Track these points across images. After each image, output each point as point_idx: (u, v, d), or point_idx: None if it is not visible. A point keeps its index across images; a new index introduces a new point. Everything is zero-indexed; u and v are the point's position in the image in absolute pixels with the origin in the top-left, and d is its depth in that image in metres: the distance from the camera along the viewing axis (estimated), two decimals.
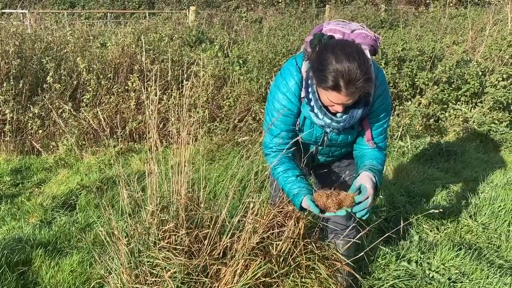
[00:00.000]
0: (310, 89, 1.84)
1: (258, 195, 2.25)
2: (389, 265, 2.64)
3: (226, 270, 2.07)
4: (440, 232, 3.07)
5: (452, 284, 2.49)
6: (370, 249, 2.73)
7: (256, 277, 2.07)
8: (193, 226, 2.14)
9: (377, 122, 1.93)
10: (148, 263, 2.01)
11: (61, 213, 3.39)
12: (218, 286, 2.03)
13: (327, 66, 1.62)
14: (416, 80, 5.64)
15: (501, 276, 2.51)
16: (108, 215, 2.20)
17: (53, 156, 4.59)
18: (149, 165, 2.31)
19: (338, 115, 1.84)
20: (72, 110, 4.78)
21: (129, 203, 2.16)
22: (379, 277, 2.56)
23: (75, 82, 4.99)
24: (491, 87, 5.58)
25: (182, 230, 2.08)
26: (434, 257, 2.70)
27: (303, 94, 1.89)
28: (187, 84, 5.37)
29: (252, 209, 2.12)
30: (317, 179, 2.44)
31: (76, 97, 5.17)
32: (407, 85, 5.64)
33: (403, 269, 2.62)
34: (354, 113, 1.84)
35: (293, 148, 1.98)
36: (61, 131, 4.93)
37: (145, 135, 5.20)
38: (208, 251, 2.09)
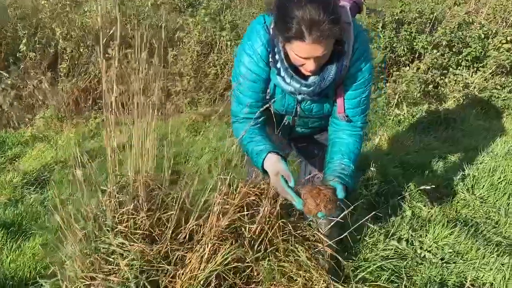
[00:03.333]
0: (276, 49, 1.58)
1: (229, 172, 2.03)
2: (377, 244, 2.44)
3: (191, 256, 1.86)
4: (434, 207, 2.86)
5: (444, 265, 2.29)
6: (357, 227, 2.53)
7: (226, 262, 1.86)
8: (155, 208, 1.92)
9: (353, 90, 1.67)
10: (104, 250, 1.81)
11: (31, 191, 3.19)
12: (182, 274, 1.83)
13: (286, 13, 1.37)
14: (414, 44, 5.33)
15: (498, 256, 2.32)
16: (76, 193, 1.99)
17: (30, 129, 4.36)
18: (110, 139, 2.08)
19: (310, 79, 1.60)
20: (50, 80, 4.52)
21: (83, 181, 1.94)
22: (366, 257, 2.36)
23: (52, 51, 4.70)
24: (494, 50, 5.27)
25: (141, 213, 1.87)
26: (426, 235, 2.50)
27: (271, 57, 1.63)
28: (171, 51, 5.11)
29: (219, 187, 1.90)
30: (298, 152, 2.21)
31: (56, 68, 4.90)
32: (405, 49, 5.33)
33: (392, 249, 2.42)
34: (326, 74, 1.58)
35: (262, 118, 1.74)
36: (40, 103, 4.70)
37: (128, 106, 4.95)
38: (171, 236, 1.88)
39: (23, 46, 4.38)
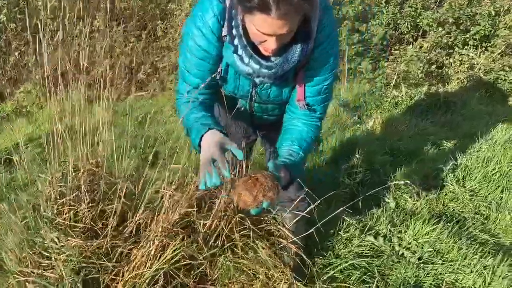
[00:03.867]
0: (233, 23, 1.37)
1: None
2: (352, 240, 2.27)
3: (137, 252, 1.71)
4: (421, 199, 2.66)
5: (422, 265, 2.12)
6: (332, 220, 2.36)
7: (175, 259, 1.70)
8: (98, 200, 1.76)
9: (315, 76, 1.47)
10: (40, 244, 1.66)
11: (1, 170, 3.05)
12: (127, 271, 1.68)
13: None
14: (419, 21, 5.03)
15: (481, 257, 2.13)
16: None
17: (10, 104, 4.21)
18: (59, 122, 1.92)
19: (272, 59, 1.40)
20: (33, 52, 4.35)
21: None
22: (339, 254, 2.19)
23: (34, 22, 4.50)
24: (504, 29, 4.95)
25: (82, 204, 1.71)
26: (406, 231, 2.32)
27: (224, 31, 1.42)
28: (161, 23, 4.88)
29: (167, 178, 1.73)
30: (263, 139, 2.02)
31: (40, 40, 4.71)
32: (409, 26, 5.04)
33: (368, 245, 2.24)
34: (290, 55, 1.37)
35: (210, 98, 1.56)
36: (24, 76, 4.55)
37: (115, 82, 4.78)
38: (116, 230, 1.73)
39: (3, 17, 4.19)
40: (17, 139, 3.47)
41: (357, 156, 2.99)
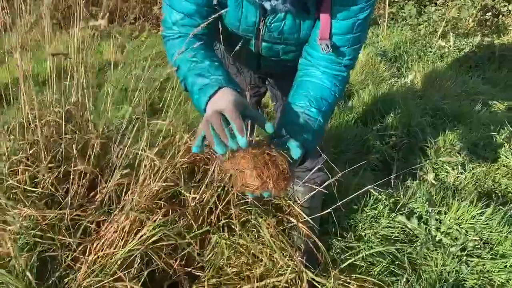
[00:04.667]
0: None
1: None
2: (379, 220, 1.87)
3: (107, 226, 1.36)
4: (466, 171, 2.22)
5: (464, 257, 1.71)
6: (358, 193, 1.96)
7: (155, 238, 1.36)
8: (63, 159, 1.40)
9: (346, 5, 1.02)
10: None
11: None
12: (94, 250, 1.34)
13: None
14: None
15: None
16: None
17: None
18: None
19: None
20: None
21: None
22: (362, 236, 1.81)
23: None
24: None
25: (41, 164, 1.35)
26: (447, 213, 1.90)
27: None
28: None
29: (146, 137, 1.35)
30: (272, 92, 1.60)
31: None
32: None
33: (398, 227, 1.85)
34: None
35: (207, 33, 1.13)
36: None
37: (128, 16, 4.35)
38: (82, 198, 1.38)
39: None
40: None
41: (392, 115, 2.53)
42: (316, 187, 1.54)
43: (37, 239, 1.30)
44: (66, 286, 1.31)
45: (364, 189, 1.63)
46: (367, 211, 1.89)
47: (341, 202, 1.52)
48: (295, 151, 0.91)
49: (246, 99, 0.95)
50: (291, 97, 1.09)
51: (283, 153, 0.91)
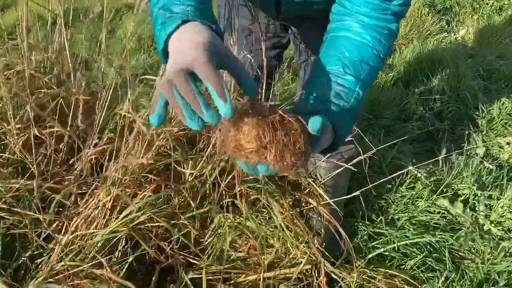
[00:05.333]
0: None
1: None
2: (416, 202, 1.58)
3: (87, 201, 1.14)
4: None
5: None
6: (392, 169, 1.67)
7: (143, 218, 1.13)
8: (35, 120, 1.16)
9: None
10: None
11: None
12: (67, 229, 1.12)
13: None
14: None
15: None
16: None
17: None
18: None
19: None
20: None
21: None
22: (394, 221, 1.53)
23: None
24: None
25: (7, 125, 1.12)
26: (500, 197, 1.59)
27: None
28: None
29: (136, 97, 1.09)
30: (297, 43, 1.29)
31: None
32: None
33: (439, 212, 1.56)
34: None
35: None
36: None
37: None
38: (58, 166, 1.15)
39: None
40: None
41: (439, 77, 2.18)
42: (343, 164, 1.26)
43: (1, 214, 1.08)
44: (39, 267, 1.11)
45: (403, 170, 1.34)
46: (403, 191, 1.60)
47: (372, 185, 1.25)
48: (314, 123, 0.62)
49: (220, 39, 0.64)
50: (320, 59, 0.79)
51: (302, 121, 0.62)
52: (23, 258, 1.10)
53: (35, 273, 1.10)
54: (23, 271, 1.11)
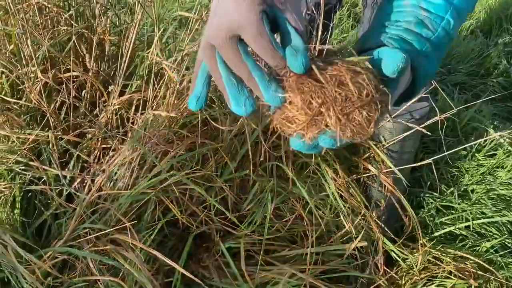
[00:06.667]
0: None
1: None
2: (496, 172, 1.34)
3: (111, 157, 1.00)
4: None
5: None
6: (469, 129, 1.43)
7: (171, 180, 0.99)
8: (55, 62, 1.01)
9: None
10: None
11: None
12: (90, 187, 0.99)
13: None
14: None
15: None
16: None
17: None
18: None
19: None
20: None
21: None
22: (468, 191, 1.31)
23: None
24: None
25: (23, 68, 0.98)
26: None
27: None
28: None
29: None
30: None
31: None
32: None
33: None
34: None
35: None
36: None
37: None
38: (81, 117, 1.01)
39: None
40: None
41: None
42: (413, 126, 1.04)
43: (16, 168, 0.97)
44: (62, 227, 1.00)
45: (484, 136, 1.10)
46: (480, 159, 1.36)
47: (448, 152, 1.02)
48: (391, 60, 0.42)
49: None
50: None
51: (368, 66, 0.43)
52: (44, 217, 1.00)
53: (59, 233, 1.00)
54: (46, 231, 1.02)
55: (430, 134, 1.02)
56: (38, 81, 0.95)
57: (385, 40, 0.49)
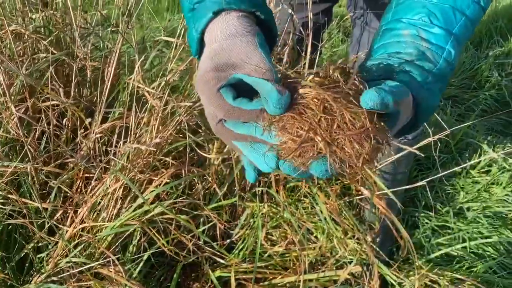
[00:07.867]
0: None
1: None
2: (491, 189, 1.31)
3: (93, 188, 0.96)
4: None
5: None
6: (462, 144, 1.41)
7: (156, 211, 0.95)
8: (31, 91, 0.97)
9: None
10: None
11: None
12: (73, 219, 0.95)
13: None
14: None
15: None
16: None
17: None
18: None
19: None
20: None
21: None
22: (464, 209, 1.28)
23: None
24: None
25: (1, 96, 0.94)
26: None
27: None
28: None
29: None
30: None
31: None
32: None
33: None
34: None
35: None
36: None
37: None
38: (64, 143, 0.97)
39: None
40: None
41: None
42: (406, 147, 1.01)
43: None
44: (44, 261, 0.96)
45: (480, 154, 1.07)
46: (475, 175, 1.33)
47: (442, 174, 1.00)
48: (369, 95, 0.39)
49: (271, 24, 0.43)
50: (393, 7, 0.53)
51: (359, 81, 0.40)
52: (25, 251, 0.95)
53: (40, 267, 0.95)
54: (27, 265, 0.97)
55: (423, 155, 0.99)
56: (17, 109, 0.91)
57: (387, 73, 0.46)
